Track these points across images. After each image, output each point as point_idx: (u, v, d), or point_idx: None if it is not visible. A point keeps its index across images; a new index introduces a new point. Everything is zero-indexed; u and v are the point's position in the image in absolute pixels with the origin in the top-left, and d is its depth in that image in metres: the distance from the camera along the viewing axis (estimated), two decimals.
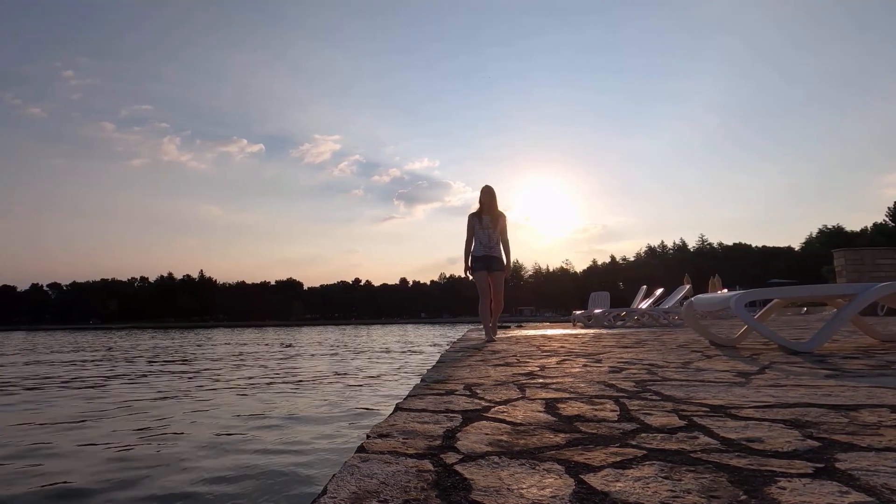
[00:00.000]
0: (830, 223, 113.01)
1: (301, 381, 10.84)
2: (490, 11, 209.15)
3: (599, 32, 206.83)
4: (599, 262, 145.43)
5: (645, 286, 16.83)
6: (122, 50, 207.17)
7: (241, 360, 16.49)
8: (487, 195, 7.74)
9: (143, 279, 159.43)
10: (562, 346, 6.25)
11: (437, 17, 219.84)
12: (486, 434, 1.74)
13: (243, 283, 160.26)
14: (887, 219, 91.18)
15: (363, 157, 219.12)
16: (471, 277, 7.68)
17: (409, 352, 19.13)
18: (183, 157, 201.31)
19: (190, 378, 11.83)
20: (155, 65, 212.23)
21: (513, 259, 8.00)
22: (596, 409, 2.12)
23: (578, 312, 16.84)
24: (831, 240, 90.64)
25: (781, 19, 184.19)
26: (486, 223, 7.65)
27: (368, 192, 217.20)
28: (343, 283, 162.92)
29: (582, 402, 2.31)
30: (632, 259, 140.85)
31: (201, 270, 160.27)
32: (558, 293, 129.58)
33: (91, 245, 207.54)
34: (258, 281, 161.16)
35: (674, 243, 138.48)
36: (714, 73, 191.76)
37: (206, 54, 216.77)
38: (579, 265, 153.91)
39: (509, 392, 2.64)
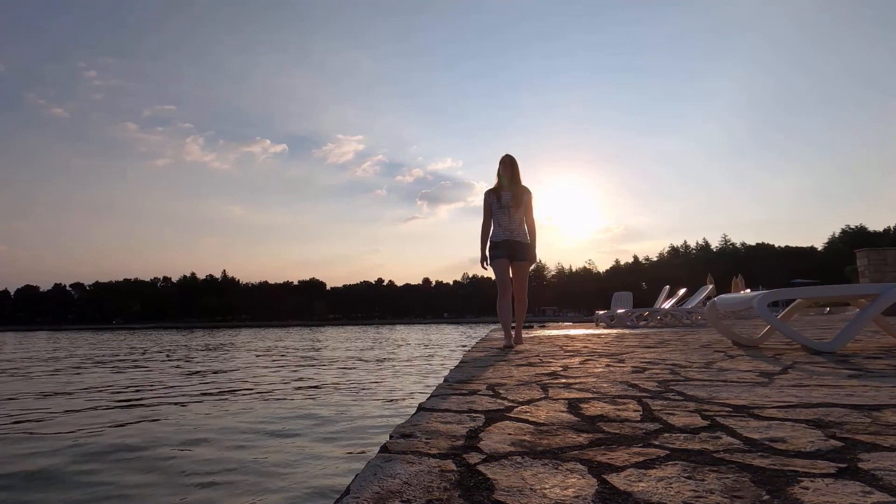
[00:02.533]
0: (853, 223, 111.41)
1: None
2: (513, 11, 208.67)
3: (623, 32, 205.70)
4: (622, 262, 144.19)
5: (668, 286, 16.71)
6: (145, 50, 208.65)
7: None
8: (507, 166, 6.20)
9: (167, 279, 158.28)
10: (584, 346, 6.23)
11: (461, 16, 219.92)
12: (509, 434, 1.74)
13: (266, 283, 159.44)
14: None
15: (386, 157, 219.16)
16: (488, 269, 6.26)
17: (438, 349, 19.17)
18: (206, 157, 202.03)
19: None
20: (178, 65, 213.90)
21: (536, 258, 6.35)
22: (619, 409, 2.11)
23: (601, 312, 16.75)
24: (854, 240, 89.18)
25: (805, 18, 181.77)
26: (507, 201, 6.14)
27: (391, 192, 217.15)
28: (366, 283, 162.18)
29: (605, 402, 2.30)
30: (655, 259, 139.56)
31: (224, 270, 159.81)
32: (581, 293, 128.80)
33: (114, 245, 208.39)
34: (281, 281, 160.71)
35: (697, 243, 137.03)
36: (738, 72, 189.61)
37: (229, 54, 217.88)
38: (602, 265, 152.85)
39: (532, 392, 2.64)
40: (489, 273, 6.32)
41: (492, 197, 6.24)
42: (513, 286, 6.22)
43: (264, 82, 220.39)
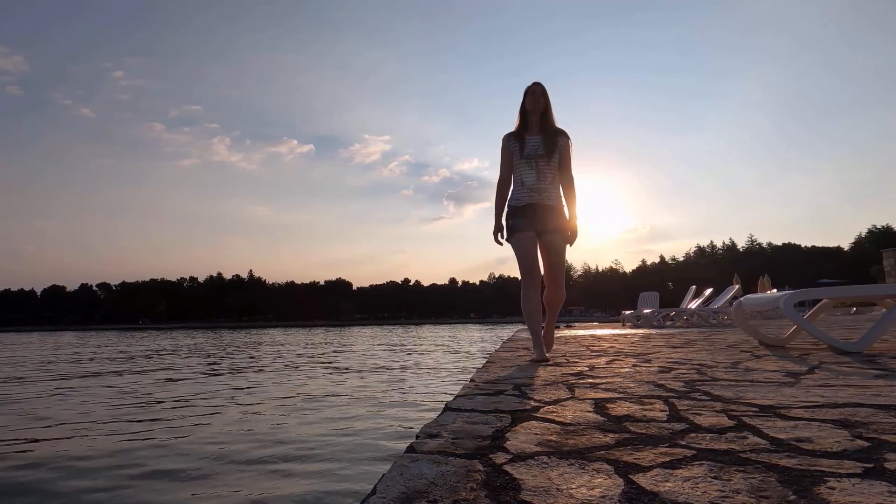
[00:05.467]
0: (880, 223, 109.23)
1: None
2: (537, 9, 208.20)
3: (649, 30, 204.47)
4: (649, 262, 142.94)
5: (694, 286, 16.54)
6: (171, 50, 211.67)
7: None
8: (535, 99, 4.41)
9: (193, 279, 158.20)
10: (611, 346, 6.19)
11: (484, 15, 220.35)
12: (536, 434, 1.74)
13: (292, 283, 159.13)
14: None
15: (413, 157, 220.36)
16: (504, 244, 4.52)
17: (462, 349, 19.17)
18: (233, 157, 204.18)
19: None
20: (204, 65, 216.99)
21: (577, 231, 4.51)
22: (645, 409, 2.10)
23: (628, 312, 16.64)
24: (881, 240, 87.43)
25: (833, 16, 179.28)
26: (534, 148, 4.37)
27: (418, 192, 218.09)
28: (392, 283, 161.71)
29: (631, 402, 2.29)
30: (681, 259, 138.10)
31: (250, 270, 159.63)
32: (607, 293, 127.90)
33: (140, 245, 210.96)
34: (307, 281, 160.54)
35: (723, 243, 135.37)
36: (765, 71, 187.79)
37: (255, 54, 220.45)
38: (628, 265, 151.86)
39: (558, 392, 2.63)
40: (507, 250, 4.55)
41: (512, 143, 4.48)
42: (543, 271, 4.49)
43: (290, 82, 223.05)
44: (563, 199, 4.50)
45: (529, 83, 4.49)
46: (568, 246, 4.49)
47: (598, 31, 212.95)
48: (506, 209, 4.52)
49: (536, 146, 4.37)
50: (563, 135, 4.45)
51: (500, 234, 4.52)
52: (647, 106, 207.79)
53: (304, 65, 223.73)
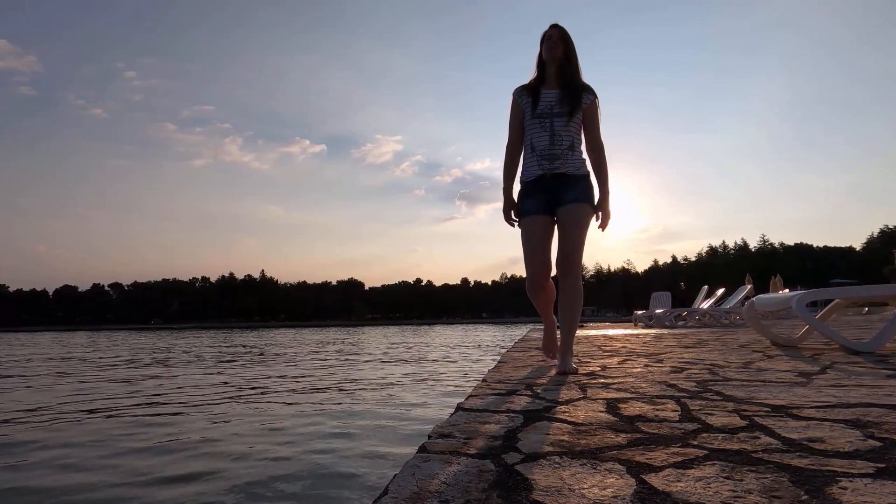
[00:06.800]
0: (892, 223, 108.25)
1: None
2: (549, 8, 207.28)
3: (662, 29, 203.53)
4: (661, 262, 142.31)
5: (706, 286, 16.46)
6: (183, 50, 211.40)
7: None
8: (553, 43, 3.51)
9: (205, 279, 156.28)
10: (623, 346, 6.17)
11: (495, 14, 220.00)
12: (548, 434, 1.73)
13: (305, 282, 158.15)
14: None
15: (425, 157, 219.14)
16: (516, 225, 3.65)
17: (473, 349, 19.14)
18: (245, 157, 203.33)
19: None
20: (216, 65, 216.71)
21: (609, 205, 3.58)
22: (657, 409, 2.09)
23: (640, 312, 16.59)
24: (893, 240, 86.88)
25: (846, 16, 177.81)
26: (550, 104, 3.46)
27: (430, 192, 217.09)
28: (405, 283, 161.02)
29: (643, 402, 2.28)
30: (693, 259, 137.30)
31: (262, 270, 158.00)
32: (619, 293, 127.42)
33: (152, 245, 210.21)
34: (319, 281, 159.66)
35: (735, 243, 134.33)
36: (778, 71, 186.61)
37: (266, 54, 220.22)
38: (640, 265, 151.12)
39: (571, 392, 2.63)
40: (519, 232, 3.64)
41: (524, 97, 3.59)
42: (557, 257, 3.49)
43: (302, 82, 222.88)
44: (588, 168, 3.55)
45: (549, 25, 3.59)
46: (600, 231, 3.59)
47: (610, 29, 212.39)
48: (517, 182, 3.67)
49: (552, 102, 3.46)
50: (588, 90, 3.51)
51: (511, 212, 3.67)
52: (660, 105, 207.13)
53: (316, 64, 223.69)
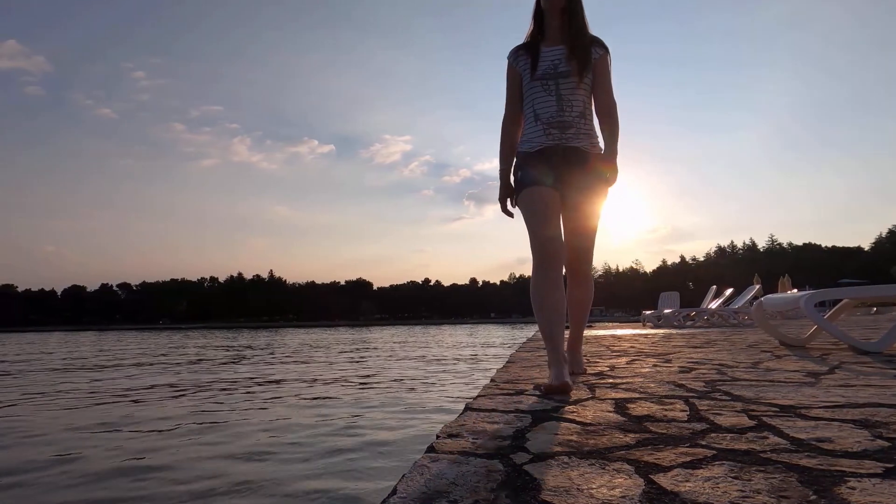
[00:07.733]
0: None
1: None
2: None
3: (674, 27, 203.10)
4: (669, 263, 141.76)
5: (715, 286, 16.39)
6: (191, 50, 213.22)
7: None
8: None
9: (213, 279, 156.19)
10: (631, 346, 6.16)
11: (503, 12, 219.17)
12: (556, 434, 1.73)
13: (313, 283, 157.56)
14: None
15: (433, 157, 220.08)
16: (514, 213, 3.03)
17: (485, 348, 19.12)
18: (253, 157, 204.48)
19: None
20: (224, 65, 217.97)
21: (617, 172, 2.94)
22: (665, 409, 2.09)
23: (648, 312, 16.53)
24: None
25: (860, 14, 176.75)
26: (553, 63, 2.88)
27: (438, 192, 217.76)
28: (413, 283, 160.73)
29: (651, 402, 2.28)
30: (702, 259, 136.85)
31: (271, 270, 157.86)
32: (628, 293, 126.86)
33: (160, 245, 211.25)
34: (328, 281, 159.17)
35: (743, 243, 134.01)
36: (790, 71, 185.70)
37: (274, 54, 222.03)
38: (649, 265, 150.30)
39: (579, 392, 2.62)
40: (517, 218, 3.02)
41: (522, 59, 3.00)
42: (566, 241, 2.97)
43: (310, 82, 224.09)
44: (601, 144, 2.98)
45: None
46: (608, 187, 2.97)
47: (621, 26, 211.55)
48: (517, 155, 3.04)
49: (557, 60, 2.87)
50: (597, 44, 2.93)
51: (509, 200, 3.06)
52: (671, 104, 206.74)
53: (324, 64, 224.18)
